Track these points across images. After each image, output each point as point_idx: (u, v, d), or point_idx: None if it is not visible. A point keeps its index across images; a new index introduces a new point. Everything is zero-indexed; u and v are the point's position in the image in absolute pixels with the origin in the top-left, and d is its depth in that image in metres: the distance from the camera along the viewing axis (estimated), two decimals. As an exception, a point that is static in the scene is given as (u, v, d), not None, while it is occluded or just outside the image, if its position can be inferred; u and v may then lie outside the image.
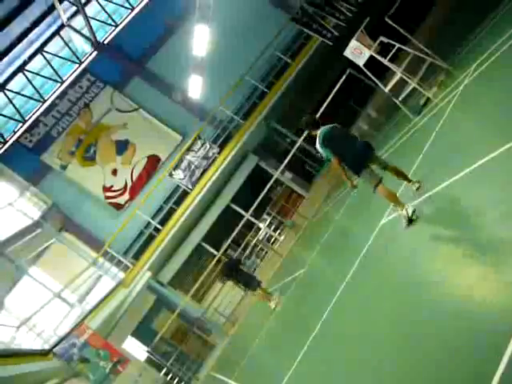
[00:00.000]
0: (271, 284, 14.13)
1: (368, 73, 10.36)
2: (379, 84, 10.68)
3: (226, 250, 16.01)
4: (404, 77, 9.81)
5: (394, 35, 10.50)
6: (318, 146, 5.96)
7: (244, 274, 12.00)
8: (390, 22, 10.93)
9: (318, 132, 5.99)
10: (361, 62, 10.11)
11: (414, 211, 5.14)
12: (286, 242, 17.99)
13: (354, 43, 10.03)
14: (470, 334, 2.82)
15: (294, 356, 6.01)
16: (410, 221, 5.14)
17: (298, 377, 5.58)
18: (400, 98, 10.56)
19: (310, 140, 14.68)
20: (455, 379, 2.68)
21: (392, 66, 9.84)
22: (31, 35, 16.17)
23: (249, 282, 11.82)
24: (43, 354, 11.72)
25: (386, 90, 10.31)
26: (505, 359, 2.30)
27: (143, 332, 18.50)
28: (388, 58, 9.86)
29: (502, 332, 2.49)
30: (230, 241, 16.30)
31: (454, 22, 14.31)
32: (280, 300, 10.78)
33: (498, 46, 6.96)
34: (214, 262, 15.11)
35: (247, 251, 16.82)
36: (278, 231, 19.99)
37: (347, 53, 10.18)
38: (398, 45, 9.94)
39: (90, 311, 13.95)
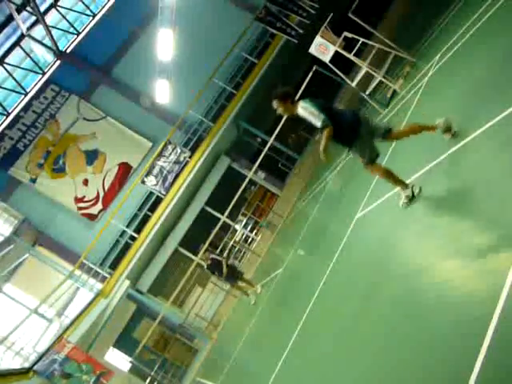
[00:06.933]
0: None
1: (334, 69, 10.42)
2: (346, 79, 10.76)
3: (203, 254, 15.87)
4: (370, 71, 9.90)
5: (358, 30, 10.60)
6: (312, 110, 4.71)
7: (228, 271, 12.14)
8: (354, 17, 11.03)
9: (301, 103, 4.84)
10: (326, 59, 10.17)
11: (420, 189, 4.64)
12: (264, 241, 17.99)
13: (318, 40, 10.07)
14: (453, 322, 2.84)
15: (278, 356, 6.00)
16: (412, 198, 4.66)
17: (283, 377, 5.57)
18: (367, 92, 10.66)
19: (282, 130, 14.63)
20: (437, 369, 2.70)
21: (357, 61, 9.92)
22: (-10, 48, 15.85)
23: (232, 276, 12.18)
24: (23, 372, 11.45)
25: (353, 84, 10.38)
26: (485, 346, 2.32)
27: (125, 342, 18.30)
28: (353, 52, 9.94)
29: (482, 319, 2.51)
30: (207, 244, 16.19)
31: (416, 14, 14.52)
32: (260, 292, 11.63)
33: (460, 35, 7.08)
34: (192, 267, 15.00)
35: (225, 253, 16.70)
36: (255, 231, 19.96)
37: (312, 50, 10.22)
38: (362, 39, 10.02)
39: (70, 325, 13.71)
